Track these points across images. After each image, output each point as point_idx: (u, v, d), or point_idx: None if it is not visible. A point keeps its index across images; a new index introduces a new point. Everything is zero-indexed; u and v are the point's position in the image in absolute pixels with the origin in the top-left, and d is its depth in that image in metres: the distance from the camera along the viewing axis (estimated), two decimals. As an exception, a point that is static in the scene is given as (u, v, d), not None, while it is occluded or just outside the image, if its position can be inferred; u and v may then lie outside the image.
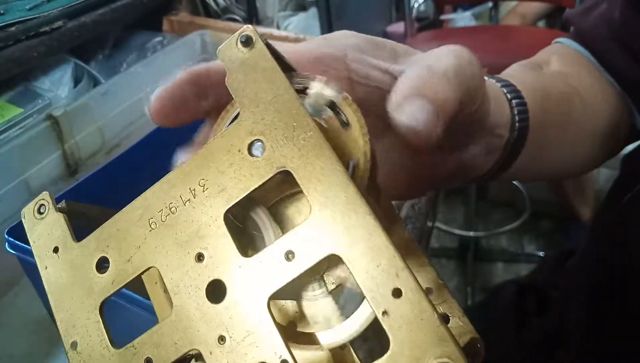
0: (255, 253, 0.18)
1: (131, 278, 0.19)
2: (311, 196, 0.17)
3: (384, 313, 0.16)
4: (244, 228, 0.20)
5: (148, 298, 0.23)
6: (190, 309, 0.18)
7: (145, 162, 0.48)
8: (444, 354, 0.15)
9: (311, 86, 0.20)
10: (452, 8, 1.85)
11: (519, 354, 0.50)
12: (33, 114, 0.62)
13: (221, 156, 0.18)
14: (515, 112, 0.30)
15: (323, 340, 0.20)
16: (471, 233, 1.55)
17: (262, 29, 0.90)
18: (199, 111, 0.23)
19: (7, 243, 0.41)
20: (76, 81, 0.71)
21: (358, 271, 0.16)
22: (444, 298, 0.22)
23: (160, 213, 0.19)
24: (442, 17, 1.77)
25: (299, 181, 0.17)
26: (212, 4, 1.03)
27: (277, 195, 0.20)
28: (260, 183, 0.18)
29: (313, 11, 1.29)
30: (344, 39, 0.25)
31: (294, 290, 0.21)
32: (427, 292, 0.16)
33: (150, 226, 0.19)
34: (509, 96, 0.30)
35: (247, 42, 0.19)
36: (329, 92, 0.20)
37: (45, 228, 0.21)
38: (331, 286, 0.21)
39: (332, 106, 0.20)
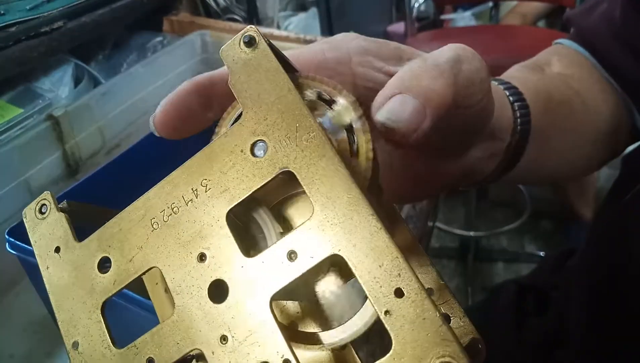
0: (257, 253, 0.18)
1: (133, 278, 0.19)
2: (313, 196, 0.17)
3: (386, 313, 0.16)
4: (246, 228, 0.20)
5: (149, 298, 0.23)
6: (192, 309, 0.18)
7: (145, 162, 0.48)
8: (446, 354, 0.15)
9: (338, 103, 0.20)
10: (452, 8, 1.85)
11: (519, 354, 0.50)
12: (33, 115, 0.62)
13: (224, 157, 0.18)
14: (518, 115, 0.30)
15: (325, 340, 0.20)
16: (472, 233, 1.55)
17: (262, 29, 0.90)
18: (204, 121, 0.23)
19: (7, 243, 0.41)
20: (76, 81, 0.71)
21: (360, 271, 0.16)
22: (445, 299, 0.22)
23: (162, 213, 0.19)
24: (443, 17, 1.78)
25: (301, 182, 0.17)
26: (213, 4, 1.03)
27: (279, 195, 0.20)
28: (263, 183, 0.18)
29: (313, 11, 1.30)
30: (347, 41, 0.24)
31: (296, 290, 0.21)
32: (429, 293, 0.16)
33: (152, 226, 0.19)
34: (511, 98, 0.30)
35: (250, 42, 0.19)
36: (352, 116, 0.19)
37: (47, 228, 0.21)
38: (333, 287, 0.21)
39: (349, 128, 0.19)
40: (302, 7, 1.38)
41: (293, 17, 1.29)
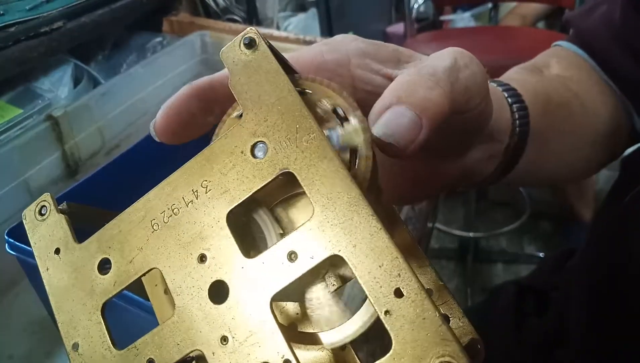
0: (257, 254, 0.18)
1: (133, 279, 0.19)
2: (313, 197, 0.17)
3: (386, 313, 0.16)
4: (246, 229, 0.20)
5: (148, 299, 0.23)
6: (192, 310, 0.18)
7: (145, 163, 0.48)
8: (446, 353, 0.15)
9: (350, 122, 0.19)
10: (451, 9, 1.85)
11: (519, 354, 0.50)
12: (33, 115, 0.62)
13: (224, 158, 0.19)
14: (516, 116, 0.30)
15: (325, 340, 0.20)
16: (471, 234, 1.55)
17: (262, 30, 0.90)
18: (204, 126, 0.23)
19: (7, 244, 0.41)
20: (76, 82, 0.71)
21: (360, 271, 0.16)
22: (444, 299, 0.22)
23: (162, 214, 0.19)
24: (442, 17, 1.78)
25: (301, 183, 0.17)
26: (212, 4, 1.03)
27: (279, 196, 0.20)
28: (263, 184, 0.18)
29: (313, 12, 1.30)
30: (346, 43, 0.24)
31: (296, 290, 0.21)
32: (428, 293, 0.16)
33: (152, 227, 0.19)
34: (509, 100, 0.30)
35: (250, 44, 0.19)
36: (362, 138, 0.19)
37: (47, 230, 0.21)
38: (333, 287, 0.21)
39: (354, 150, 0.19)
40: (301, 8, 1.38)
41: (293, 17, 1.30)
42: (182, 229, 0.19)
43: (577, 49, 0.43)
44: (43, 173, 0.59)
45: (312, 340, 0.21)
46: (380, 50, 0.24)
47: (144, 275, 0.19)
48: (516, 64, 0.40)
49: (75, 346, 0.19)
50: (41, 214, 0.21)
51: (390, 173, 0.28)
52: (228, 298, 0.18)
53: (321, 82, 0.20)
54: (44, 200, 0.21)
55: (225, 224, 0.18)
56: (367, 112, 0.21)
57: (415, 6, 1.56)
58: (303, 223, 0.17)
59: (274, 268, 0.17)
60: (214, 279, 0.18)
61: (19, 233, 0.41)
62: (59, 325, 0.20)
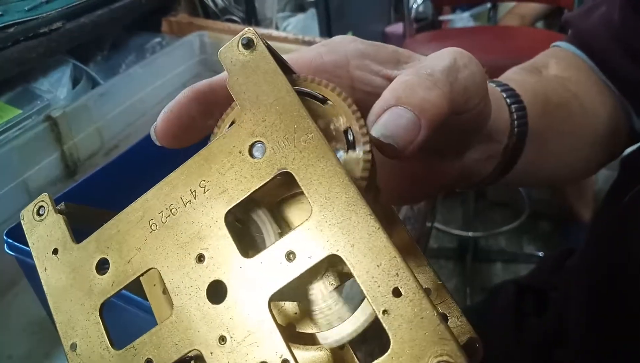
0: (256, 253, 0.18)
1: (131, 280, 0.19)
2: (312, 197, 0.17)
3: (384, 312, 0.16)
4: (244, 229, 0.20)
5: (147, 299, 0.23)
6: (190, 310, 0.18)
7: (144, 163, 0.48)
8: (444, 352, 0.15)
9: (357, 151, 0.19)
10: (450, 9, 1.85)
11: (519, 354, 0.50)
12: (32, 115, 0.62)
13: (222, 158, 0.19)
14: (515, 117, 0.30)
15: (323, 340, 0.20)
16: (470, 234, 1.56)
17: (261, 30, 0.90)
18: (205, 129, 0.22)
19: (6, 245, 0.41)
20: (75, 82, 0.71)
21: (358, 271, 0.16)
22: (442, 298, 0.22)
23: (160, 214, 0.19)
24: (441, 17, 1.78)
25: (299, 183, 0.17)
26: (211, 4, 1.03)
27: (278, 196, 0.20)
28: (261, 184, 0.18)
29: (312, 12, 1.30)
30: (345, 44, 0.24)
31: (294, 290, 0.21)
32: (426, 292, 0.16)
33: (150, 227, 0.19)
34: (508, 100, 0.30)
35: (249, 44, 0.19)
36: (361, 167, 0.19)
37: (45, 230, 0.21)
38: (331, 287, 0.21)
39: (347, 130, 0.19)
40: (300, 8, 1.38)
41: (292, 17, 1.30)
42: (180, 229, 0.19)
43: (575, 49, 0.43)
44: (42, 173, 0.59)
45: (310, 339, 0.21)
46: (379, 51, 0.24)
47: (142, 275, 0.19)
48: (515, 64, 0.41)
49: (74, 346, 0.19)
50: (39, 215, 0.21)
51: (388, 173, 0.28)
52: (226, 298, 0.18)
53: (319, 82, 0.20)
54: (42, 200, 0.21)
55: (224, 224, 0.18)
56: (366, 114, 0.21)
57: (414, 6, 1.56)
58: (301, 223, 0.17)
59: (272, 267, 0.17)
60: (212, 279, 0.18)
61: (18, 233, 0.41)
62: (57, 325, 0.20)
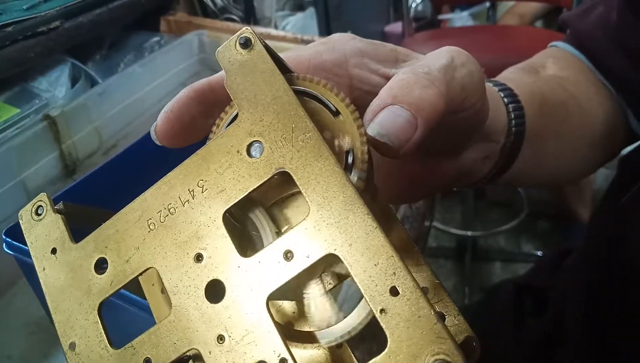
0: (254, 253, 0.18)
1: (130, 279, 0.19)
2: (309, 196, 0.17)
3: (382, 311, 0.16)
4: (242, 228, 0.20)
5: (145, 298, 0.23)
6: (189, 309, 0.18)
7: (142, 162, 0.48)
8: (441, 351, 0.15)
9: (352, 174, 0.19)
10: (449, 8, 1.85)
11: (518, 353, 0.50)
12: (30, 115, 0.62)
13: (220, 157, 0.19)
14: (512, 116, 0.30)
15: (321, 339, 0.20)
16: (469, 233, 1.56)
17: (259, 29, 0.90)
18: (205, 129, 0.22)
19: (4, 244, 0.41)
20: (73, 81, 0.71)
21: (356, 270, 0.16)
22: (439, 297, 0.22)
23: (159, 214, 0.19)
24: (440, 17, 1.78)
25: (297, 182, 0.17)
26: (210, 4, 1.03)
27: (275, 196, 0.20)
28: (259, 183, 0.18)
29: (311, 11, 1.30)
30: (344, 43, 0.24)
31: (292, 289, 0.21)
32: (424, 291, 0.16)
33: (149, 227, 0.19)
34: (505, 100, 0.30)
35: (246, 44, 0.19)
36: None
37: (43, 230, 0.21)
38: (329, 286, 0.21)
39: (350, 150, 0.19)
40: (299, 7, 1.38)
41: (290, 17, 1.29)
42: (178, 228, 0.19)
43: (573, 49, 0.43)
44: (40, 172, 0.59)
45: (308, 338, 0.21)
46: (378, 49, 0.24)
47: (140, 274, 0.19)
48: (514, 63, 0.41)
49: (72, 345, 0.19)
50: (37, 215, 0.21)
51: (386, 172, 0.28)
52: (224, 298, 0.18)
53: (318, 82, 0.20)
54: (41, 200, 0.21)
55: (222, 223, 0.18)
56: (364, 112, 0.21)
57: (413, 5, 1.56)
58: (299, 222, 0.17)
59: (270, 267, 0.17)
60: (210, 278, 0.18)
61: (17, 232, 0.41)
62: (56, 324, 0.20)
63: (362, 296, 0.17)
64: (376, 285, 0.16)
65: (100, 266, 0.20)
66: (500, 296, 0.56)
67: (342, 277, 0.21)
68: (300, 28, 1.24)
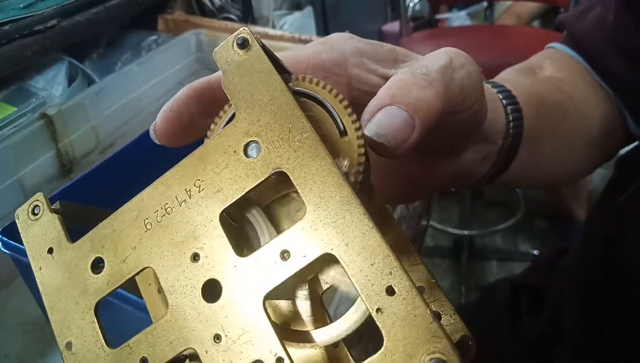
0: (250, 252, 0.18)
1: (126, 279, 0.19)
2: (306, 196, 0.17)
3: (378, 310, 0.16)
4: (239, 228, 0.20)
5: (142, 298, 0.23)
6: (185, 308, 0.18)
7: (139, 161, 0.48)
8: (437, 350, 0.15)
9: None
10: (447, 7, 1.86)
11: (514, 352, 0.50)
12: (27, 113, 0.62)
13: (217, 157, 0.19)
14: (510, 118, 0.30)
15: (317, 338, 0.20)
16: (465, 232, 1.56)
17: (257, 28, 0.90)
18: (204, 128, 0.22)
19: (1, 243, 0.41)
20: (70, 80, 0.71)
21: (352, 269, 0.16)
22: (436, 297, 0.22)
23: (155, 213, 0.19)
24: (438, 16, 1.78)
25: (294, 182, 0.18)
26: (208, 3, 1.03)
27: (272, 196, 0.20)
28: (256, 183, 0.18)
29: (308, 10, 1.30)
30: (342, 42, 0.24)
31: (289, 289, 0.21)
32: (419, 291, 0.16)
33: (145, 226, 0.19)
34: (504, 101, 0.31)
35: (244, 44, 0.19)
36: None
37: (40, 229, 0.21)
38: (326, 285, 0.21)
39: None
40: (297, 6, 1.38)
41: (288, 16, 1.29)
42: (175, 228, 0.19)
43: (570, 51, 0.43)
44: (37, 171, 0.59)
45: (305, 337, 0.21)
46: (377, 49, 0.24)
47: (137, 274, 0.19)
48: (511, 62, 0.41)
49: (69, 345, 0.19)
50: (34, 214, 0.21)
51: (383, 172, 0.28)
52: (221, 297, 0.18)
53: (318, 83, 0.20)
54: (37, 200, 0.21)
55: (218, 223, 0.18)
56: (360, 113, 0.21)
57: (411, 5, 1.56)
58: (296, 222, 0.17)
59: (266, 266, 0.17)
60: (207, 278, 0.18)
61: (13, 231, 0.41)
62: (52, 324, 0.20)
63: (358, 295, 0.17)
64: (372, 285, 0.16)
65: (97, 265, 0.20)
66: (496, 295, 0.56)
67: (338, 277, 0.21)
68: (297, 27, 1.24)
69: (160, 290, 0.22)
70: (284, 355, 0.17)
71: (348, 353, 0.21)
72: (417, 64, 0.22)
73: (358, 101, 0.24)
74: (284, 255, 0.17)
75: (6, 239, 0.40)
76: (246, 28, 0.19)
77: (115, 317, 0.28)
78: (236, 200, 0.18)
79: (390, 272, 0.16)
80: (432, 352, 0.15)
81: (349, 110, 0.20)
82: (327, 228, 0.17)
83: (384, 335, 0.16)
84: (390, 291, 0.16)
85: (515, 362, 0.49)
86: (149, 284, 0.23)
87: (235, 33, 0.19)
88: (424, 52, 0.25)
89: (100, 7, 0.74)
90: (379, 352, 0.16)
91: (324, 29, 1.24)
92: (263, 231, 0.19)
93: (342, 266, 0.17)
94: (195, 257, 0.18)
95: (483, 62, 0.25)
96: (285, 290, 0.20)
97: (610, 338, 0.41)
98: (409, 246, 0.23)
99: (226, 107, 0.21)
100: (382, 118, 0.19)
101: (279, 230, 0.20)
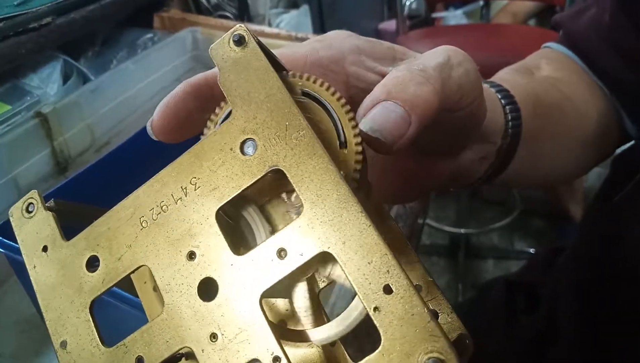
0: (247, 251, 0.18)
1: (122, 277, 0.19)
2: (303, 194, 0.17)
3: (375, 309, 0.16)
4: (235, 226, 0.20)
5: (137, 296, 0.23)
6: (181, 307, 0.18)
7: (135, 160, 0.48)
8: (434, 349, 0.15)
9: None
10: (443, 6, 1.86)
11: (510, 350, 0.50)
12: (21, 111, 0.62)
13: (213, 155, 0.18)
14: (509, 118, 0.30)
15: (314, 337, 0.20)
16: (462, 230, 1.56)
17: (253, 27, 0.90)
18: (202, 124, 0.22)
19: (-5, 241, 0.40)
20: (65, 78, 0.70)
21: (349, 268, 0.16)
22: (433, 295, 0.22)
23: (151, 211, 0.19)
24: (434, 15, 1.78)
25: (291, 180, 0.17)
26: (204, 1, 1.03)
27: (269, 194, 0.20)
28: (252, 181, 0.18)
29: (305, 8, 1.29)
30: (341, 40, 0.24)
31: (285, 287, 0.21)
32: (417, 289, 0.16)
33: (141, 224, 0.19)
34: (503, 101, 0.30)
35: (240, 41, 0.19)
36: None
37: (34, 227, 0.21)
38: (323, 284, 0.21)
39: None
40: (293, 5, 1.38)
41: (284, 14, 1.29)
42: (171, 226, 0.18)
43: (566, 50, 0.43)
44: (32, 170, 0.58)
45: (301, 336, 0.21)
46: (375, 47, 0.24)
47: (132, 272, 0.19)
48: (508, 61, 0.41)
49: (64, 344, 0.19)
50: (28, 212, 0.21)
51: (381, 170, 0.28)
52: (217, 296, 0.18)
53: (315, 80, 0.20)
54: (31, 197, 0.21)
55: (215, 221, 0.18)
56: (357, 110, 0.21)
57: (407, 3, 1.56)
58: (292, 220, 0.17)
59: (263, 265, 0.17)
60: (203, 276, 0.18)
61: (7, 230, 0.40)
62: (47, 322, 0.20)
63: (355, 294, 0.17)
64: (370, 283, 0.16)
65: (92, 264, 0.20)
66: (492, 293, 0.56)
67: (335, 275, 0.21)
68: (294, 26, 1.24)
69: (155, 289, 0.22)
70: (281, 354, 0.17)
71: (345, 352, 0.21)
72: (415, 61, 0.22)
73: (355, 98, 0.24)
74: (281, 253, 0.17)
75: (0, 237, 0.40)
76: (242, 25, 0.19)
77: (110, 316, 0.28)
78: (232, 198, 0.18)
79: (388, 271, 0.16)
80: (430, 351, 0.15)
81: (347, 107, 0.20)
82: (324, 226, 0.17)
83: (381, 334, 0.16)
84: (387, 289, 0.16)
85: (511, 360, 0.49)
86: (145, 282, 0.22)
87: (232, 30, 0.19)
88: (421, 50, 0.25)
89: (96, 4, 0.74)
90: (377, 350, 0.16)
91: (320, 28, 1.24)
92: (259, 229, 0.19)
93: (339, 265, 0.17)
94: (191, 255, 0.18)
95: (479, 61, 0.25)
96: (282, 289, 0.20)
97: (605, 337, 0.41)
98: (406, 245, 0.23)
99: (222, 104, 0.21)
100: (377, 113, 0.19)
101: (275, 228, 0.20)
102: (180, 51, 0.79)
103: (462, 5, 1.82)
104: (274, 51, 0.21)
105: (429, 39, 1.45)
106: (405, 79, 0.20)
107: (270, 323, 0.17)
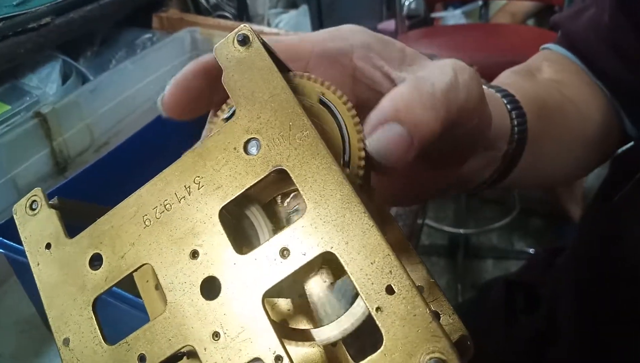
0: (250, 250, 0.18)
1: (125, 275, 0.19)
2: (306, 194, 0.17)
3: (378, 309, 0.16)
4: (239, 225, 0.20)
5: (139, 296, 0.23)
6: (184, 305, 0.18)
7: (134, 160, 0.48)
8: (436, 349, 0.15)
9: None
10: (442, 6, 1.86)
11: (510, 350, 0.50)
12: (21, 112, 0.62)
13: (217, 154, 0.19)
14: (515, 123, 0.30)
15: (316, 336, 0.20)
16: (461, 230, 1.56)
17: (252, 27, 0.90)
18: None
19: (-5, 241, 0.40)
20: (64, 78, 0.70)
21: (352, 268, 0.16)
22: (435, 296, 0.22)
23: (154, 210, 0.19)
24: (433, 15, 1.78)
25: (294, 180, 0.17)
26: (202, 1, 1.03)
27: (272, 193, 0.20)
28: (256, 181, 0.18)
29: (304, 8, 1.30)
30: (352, 34, 0.24)
31: (288, 287, 0.21)
32: (419, 290, 0.16)
33: (144, 223, 0.19)
34: (509, 106, 0.30)
35: (244, 41, 0.19)
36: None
37: (38, 225, 0.21)
38: (325, 284, 0.21)
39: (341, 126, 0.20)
40: (292, 5, 1.38)
41: (283, 14, 1.29)
42: (174, 225, 0.19)
43: (566, 51, 0.43)
44: (31, 170, 0.58)
45: (303, 336, 0.21)
46: (386, 47, 0.24)
47: (135, 270, 0.19)
48: (506, 61, 0.41)
49: (66, 341, 0.19)
50: (32, 209, 0.21)
51: (383, 174, 0.28)
52: (220, 294, 0.18)
53: (315, 80, 0.20)
54: (35, 195, 0.21)
55: (218, 220, 0.18)
56: (364, 107, 0.20)
57: (406, 3, 1.56)
58: (295, 220, 0.17)
59: (266, 264, 0.17)
60: (206, 275, 0.18)
61: (7, 230, 0.40)
62: (50, 320, 0.20)
63: (357, 294, 0.17)
64: (372, 284, 0.16)
65: (95, 262, 0.20)
66: (492, 293, 0.56)
67: (338, 275, 0.21)
68: (293, 25, 1.24)
69: (158, 287, 0.22)
70: (283, 354, 0.17)
71: (346, 352, 0.21)
72: (423, 75, 0.22)
73: (360, 93, 0.24)
74: (284, 252, 0.17)
75: (0, 238, 0.40)
76: (247, 25, 0.19)
77: (111, 316, 0.28)
78: (236, 197, 0.18)
79: (390, 271, 0.16)
80: (432, 352, 0.15)
81: (353, 112, 0.20)
82: (327, 226, 0.17)
83: (383, 334, 0.16)
84: (390, 290, 0.16)
85: (511, 360, 0.50)
86: (147, 281, 0.22)
87: (236, 30, 0.19)
88: (420, 50, 0.24)
89: (95, 4, 0.74)
90: (379, 351, 0.16)
91: (319, 28, 1.23)
92: (262, 228, 0.19)
93: (342, 265, 0.17)
94: (194, 254, 0.18)
95: (478, 61, 0.25)
96: (285, 288, 0.20)
97: (605, 337, 0.41)
98: (408, 246, 0.23)
99: (224, 105, 0.21)
100: (382, 136, 0.19)
101: (278, 228, 0.20)
102: (179, 51, 0.79)
103: (461, 5, 1.82)
104: (282, 37, 0.21)
105: (428, 39, 1.45)
106: (413, 100, 0.20)
107: (272, 322, 0.17)
